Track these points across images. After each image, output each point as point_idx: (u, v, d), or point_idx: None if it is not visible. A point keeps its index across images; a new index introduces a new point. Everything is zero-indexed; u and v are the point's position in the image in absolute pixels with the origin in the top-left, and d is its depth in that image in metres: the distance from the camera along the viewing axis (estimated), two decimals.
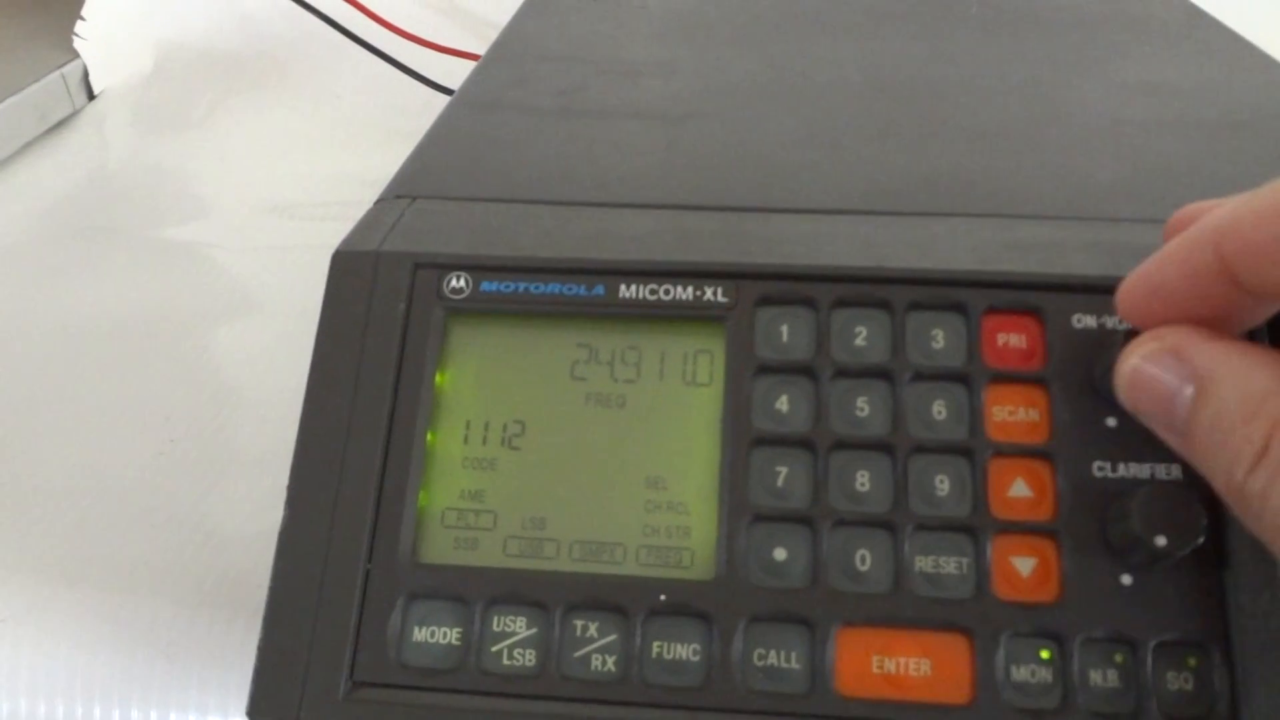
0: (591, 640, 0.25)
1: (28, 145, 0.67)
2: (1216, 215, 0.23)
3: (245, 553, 0.38)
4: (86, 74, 0.73)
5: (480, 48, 0.69)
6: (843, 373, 0.27)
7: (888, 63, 0.42)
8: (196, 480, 0.41)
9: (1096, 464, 0.25)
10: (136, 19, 0.77)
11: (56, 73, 0.70)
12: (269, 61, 0.76)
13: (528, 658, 0.25)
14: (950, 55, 0.43)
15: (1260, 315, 0.24)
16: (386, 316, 0.28)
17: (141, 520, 0.39)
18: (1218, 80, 0.40)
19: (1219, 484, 0.22)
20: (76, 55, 0.73)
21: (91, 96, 0.73)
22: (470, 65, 0.68)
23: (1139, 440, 0.25)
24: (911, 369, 0.26)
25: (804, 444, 0.26)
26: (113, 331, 0.51)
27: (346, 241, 0.29)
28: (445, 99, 0.67)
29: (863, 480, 0.26)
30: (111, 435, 0.44)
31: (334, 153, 0.67)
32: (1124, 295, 0.24)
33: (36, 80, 0.68)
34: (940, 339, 0.27)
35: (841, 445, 0.26)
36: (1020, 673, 0.24)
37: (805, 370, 0.27)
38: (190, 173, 0.66)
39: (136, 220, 0.61)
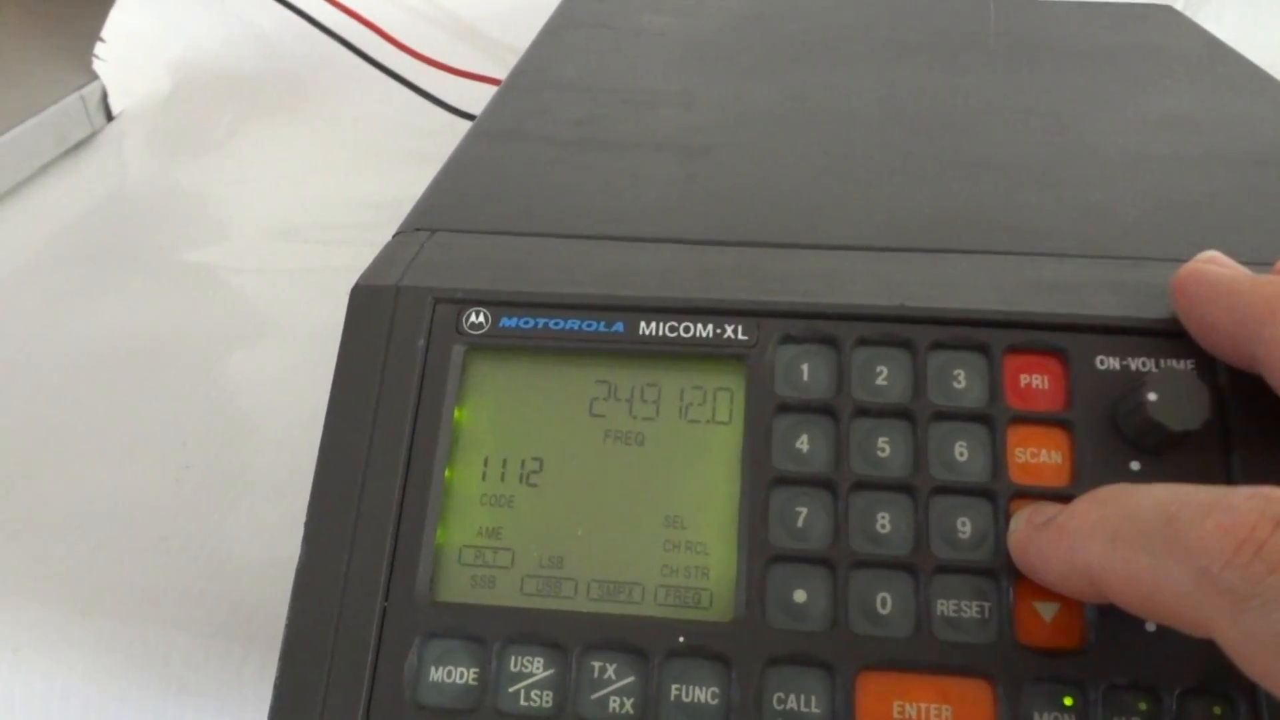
0: (609, 682, 0.25)
1: (46, 166, 0.68)
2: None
3: (260, 582, 0.38)
4: (105, 95, 0.73)
5: (496, 71, 0.70)
6: (864, 412, 0.26)
7: (907, 95, 0.42)
8: (212, 508, 0.41)
9: None
10: (155, 41, 0.77)
11: (76, 94, 0.70)
12: (286, 84, 0.76)
13: (545, 699, 0.25)
14: (970, 88, 0.43)
15: None
16: (406, 351, 0.27)
17: (157, 549, 0.39)
18: (1240, 115, 0.40)
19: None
20: (95, 77, 0.73)
21: (110, 118, 0.74)
22: (486, 89, 0.68)
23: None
24: (933, 409, 0.26)
25: (824, 484, 0.26)
26: (129, 355, 0.51)
27: (366, 275, 0.29)
28: (461, 122, 0.68)
29: (883, 521, 0.25)
30: (128, 461, 0.44)
31: (350, 175, 0.67)
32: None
33: (55, 102, 0.69)
34: (962, 379, 0.26)
35: (862, 486, 0.26)
36: None
37: (826, 409, 0.26)
38: (207, 195, 0.66)
39: (153, 242, 0.61)
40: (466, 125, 0.64)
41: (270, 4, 0.74)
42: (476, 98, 0.66)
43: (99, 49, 0.74)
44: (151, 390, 0.49)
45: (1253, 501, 0.19)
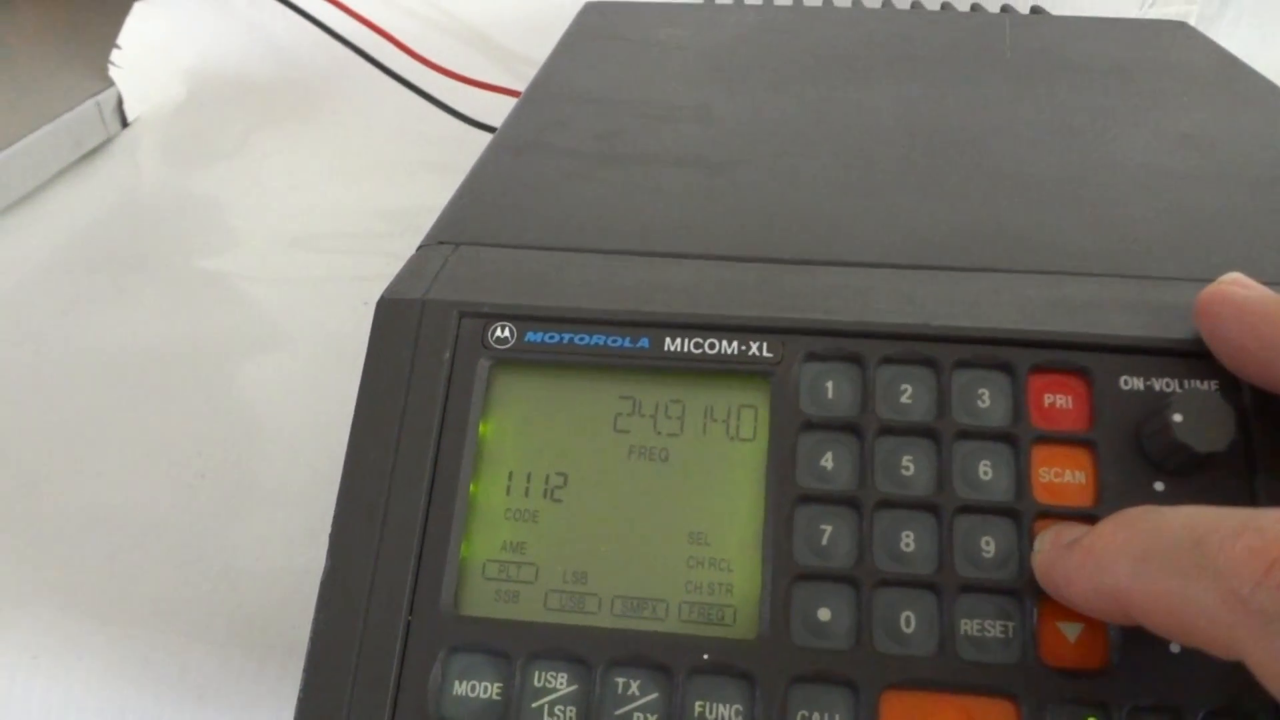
0: (633, 698, 0.25)
1: (61, 172, 0.68)
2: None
3: (275, 591, 0.38)
4: (120, 102, 0.73)
5: (511, 81, 0.70)
6: (888, 430, 0.26)
7: (925, 110, 0.42)
8: (227, 516, 0.41)
9: None
10: (171, 48, 0.77)
11: (91, 100, 0.71)
12: (301, 92, 0.76)
13: (569, 715, 0.25)
14: (987, 103, 0.43)
15: None
16: (431, 365, 0.28)
17: (172, 556, 0.39)
18: (1257, 131, 0.40)
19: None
20: (111, 83, 0.73)
21: (125, 124, 0.74)
22: (501, 99, 0.68)
23: (1186, 504, 0.24)
24: (957, 428, 0.26)
25: (848, 502, 0.26)
26: (143, 362, 0.51)
27: (391, 288, 0.29)
28: (477, 133, 0.68)
29: (908, 540, 0.25)
30: (143, 469, 0.44)
31: (364, 184, 0.67)
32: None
33: (71, 108, 0.69)
34: (986, 398, 0.26)
35: (886, 504, 0.26)
36: None
37: (850, 427, 0.26)
38: (221, 202, 0.66)
39: (167, 250, 0.61)
40: (481, 135, 0.64)
41: (285, 12, 0.74)
42: (491, 108, 0.66)
43: (115, 56, 0.74)
44: (166, 398, 0.49)
45: None
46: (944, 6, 0.65)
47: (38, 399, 0.49)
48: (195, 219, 0.65)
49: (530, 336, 0.28)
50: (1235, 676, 0.24)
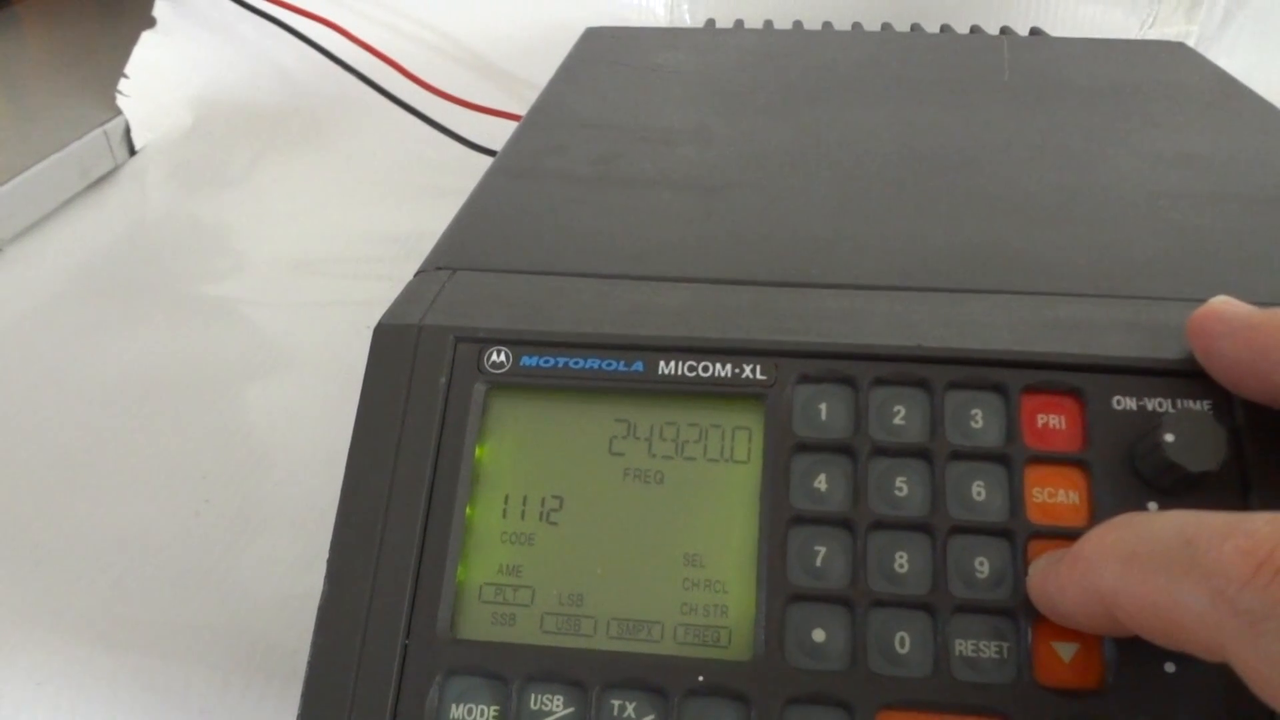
0: None
1: (70, 200, 0.69)
2: None
3: (279, 617, 0.38)
4: (128, 130, 0.74)
5: (513, 106, 0.71)
6: (881, 452, 0.27)
7: (921, 133, 0.43)
8: (232, 542, 0.42)
9: None
10: (177, 76, 0.78)
11: (99, 129, 0.72)
12: (306, 119, 0.77)
13: None
14: (983, 125, 0.43)
15: None
16: (427, 390, 0.28)
17: (178, 582, 0.39)
18: (1253, 151, 0.40)
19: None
20: (119, 112, 0.74)
21: (132, 152, 0.75)
22: (503, 123, 0.69)
23: None
24: (950, 449, 0.26)
25: (842, 523, 0.26)
26: (149, 387, 0.52)
27: (388, 314, 0.29)
28: (479, 157, 0.69)
29: (901, 561, 0.26)
30: (148, 494, 0.44)
31: (368, 209, 0.68)
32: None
33: (79, 137, 0.70)
34: (979, 419, 0.27)
35: (880, 525, 0.26)
36: None
37: (844, 449, 0.27)
38: (227, 228, 0.67)
39: (174, 276, 0.62)
40: (483, 159, 0.65)
41: (291, 40, 0.75)
42: (494, 132, 0.67)
43: (122, 85, 0.75)
44: (172, 423, 0.49)
45: (1273, 526, 0.19)
46: (943, 29, 0.66)
47: (44, 424, 0.49)
48: (202, 245, 0.65)
49: (525, 360, 0.28)
50: (1230, 695, 0.24)
